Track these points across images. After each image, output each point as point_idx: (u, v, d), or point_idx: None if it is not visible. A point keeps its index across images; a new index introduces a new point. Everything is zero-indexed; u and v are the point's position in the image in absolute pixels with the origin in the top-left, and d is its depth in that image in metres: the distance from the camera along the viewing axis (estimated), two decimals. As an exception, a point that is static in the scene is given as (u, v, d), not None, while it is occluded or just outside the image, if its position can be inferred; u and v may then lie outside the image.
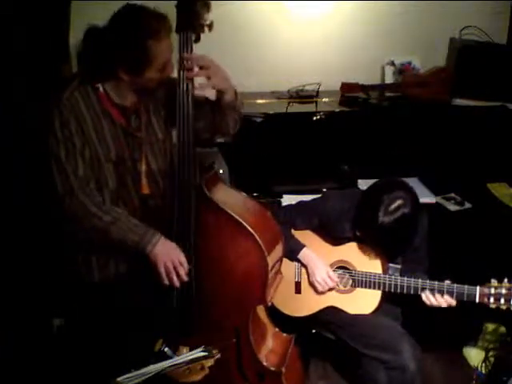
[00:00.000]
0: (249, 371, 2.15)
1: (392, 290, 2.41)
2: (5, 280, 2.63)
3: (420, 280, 2.36)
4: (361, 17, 3.40)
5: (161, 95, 2.15)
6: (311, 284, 2.52)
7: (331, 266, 2.52)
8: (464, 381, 2.92)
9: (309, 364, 2.79)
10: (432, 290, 2.33)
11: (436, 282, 2.34)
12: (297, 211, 2.58)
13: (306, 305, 2.54)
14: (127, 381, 1.74)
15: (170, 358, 1.89)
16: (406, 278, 2.39)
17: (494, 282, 2.30)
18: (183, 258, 2.01)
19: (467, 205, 3.09)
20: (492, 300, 2.28)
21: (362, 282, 2.46)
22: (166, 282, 2.00)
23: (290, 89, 3.33)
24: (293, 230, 2.55)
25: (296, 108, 3.25)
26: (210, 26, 1.94)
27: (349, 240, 2.49)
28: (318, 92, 3.32)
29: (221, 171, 2.78)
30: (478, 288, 2.30)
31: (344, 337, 2.48)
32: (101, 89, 2.04)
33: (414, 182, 3.01)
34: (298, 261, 2.52)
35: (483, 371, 2.90)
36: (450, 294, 2.32)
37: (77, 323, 2.65)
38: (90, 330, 2.32)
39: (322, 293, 2.51)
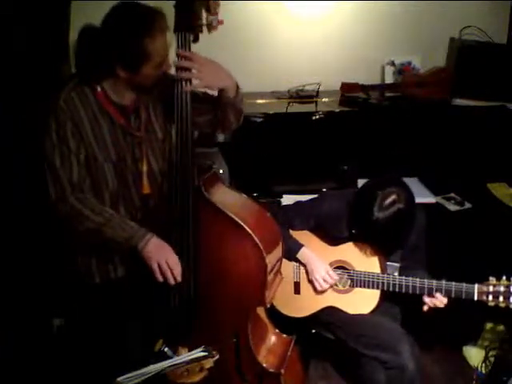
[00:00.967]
0: (248, 372, 2.14)
1: (390, 290, 2.41)
2: (5, 280, 2.63)
3: (418, 279, 2.36)
4: (361, 17, 3.41)
5: (160, 94, 2.14)
6: (311, 283, 2.52)
7: (330, 265, 2.51)
8: (464, 381, 2.92)
9: (309, 364, 2.79)
10: (430, 289, 2.34)
11: (434, 281, 2.34)
12: (294, 212, 2.59)
13: (305, 305, 2.54)
14: (127, 381, 1.74)
15: (170, 357, 1.89)
16: (404, 277, 2.39)
17: (492, 279, 2.30)
18: (175, 259, 2.01)
19: (467, 205, 3.10)
20: (490, 298, 2.28)
21: (360, 281, 2.47)
22: (161, 279, 2.00)
23: (290, 89, 3.34)
24: (291, 231, 2.56)
25: (296, 108, 3.25)
26: (210, 27, 1.93)
27: (346, 240, 2.49)
28: (318, 92, 3.32)
29: (221, 171, 2.78)
30: (476, 286, 2.30)
31: (343, 337, 2.48)
32: (99, 88, 2.03)
33: (414, 182, 3.02)
34: (297, 260, 2.52)
35: (483, 371, 2.90)
36: (449, 292, 2.33)
37: (77, 323, 2.65)
38: (90, 330, 2.32)
39: (321, 293, 2.51)
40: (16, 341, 2.65)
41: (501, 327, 2.99)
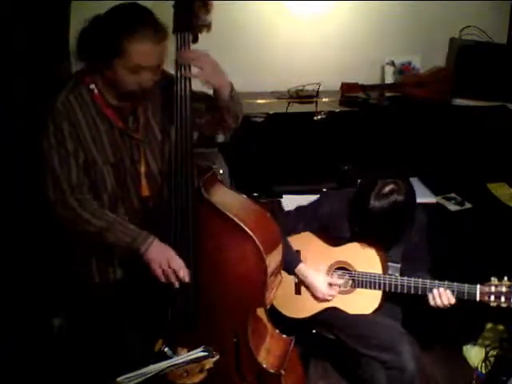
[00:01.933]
0: (248, 373, 2.14)
1: (392, 290, 2.41)
2: (5, 280, 2.63)
3: (420, 279, 2.36)
4: (360, 17, 3.40)
5: (159, 95, 2.14)
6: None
7: (331, 266, 2.52)
8: (464, 381, 2.92)
9: (309, 364, 2.78)
10: (432, 290, 2.33)
11: (436, 281, 2.34)
12: (297, 217, 2.59)
13: (306, 306, 2.54)
14: (127, 381, 1.74)
15: (170, 358, 1.89)
16: (405, 278, 2.39)
17: (494, 280, 2.30)
18: (179, 261, 2.00)
19: (467, 205, 3.10)
20: (492, 298, 2.28)
21: (361, 282, 2.46)
22: (164, 282, 2.00)
23: (290, 89, 3.33)
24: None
25: (296, 108, 3.25)
26: (209, 27, 1.93)
27: (348, 240, 2.49)
28: (318, 92, 3.32)
29: (221, 171, 2.77)
30: (478, 286, 2.30)
31: (344, 337, 2.48)
32: (95, 90, 2.02)
33: (414, 182, 3.00)
34: (295, 274, 2.52)
35: (483, 371, 2.90)
36: (451, 292, 2.32)
37: (77, 323, 2.65)
38: (90, 330, 2.32)
39: (322, 294, 2.51)
40: (16, 341, 2.64)
41: (501, 327, 2.99)
